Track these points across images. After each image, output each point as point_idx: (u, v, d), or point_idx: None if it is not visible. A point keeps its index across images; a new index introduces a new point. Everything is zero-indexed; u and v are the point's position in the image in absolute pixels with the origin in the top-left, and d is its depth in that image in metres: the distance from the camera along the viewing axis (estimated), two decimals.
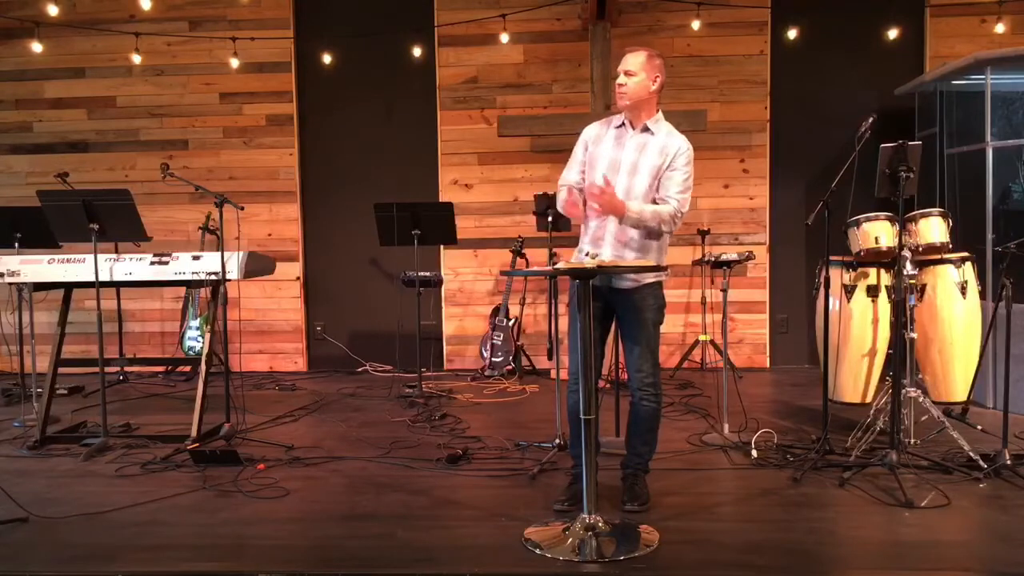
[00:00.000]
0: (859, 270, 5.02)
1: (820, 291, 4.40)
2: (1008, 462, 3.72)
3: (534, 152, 6.59)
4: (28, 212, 4.97)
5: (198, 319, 6.34)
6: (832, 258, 4.58)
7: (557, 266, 3.21)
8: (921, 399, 4.15)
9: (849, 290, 5.05)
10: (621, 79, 3.35)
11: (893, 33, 6.22)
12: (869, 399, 5.06)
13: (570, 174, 3.51)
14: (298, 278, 6.86)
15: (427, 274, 6.06)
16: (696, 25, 6.24)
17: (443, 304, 6.79)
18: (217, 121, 6.80)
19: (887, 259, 4.98)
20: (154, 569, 2.96)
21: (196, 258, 4.53)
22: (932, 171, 5.71)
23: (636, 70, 3.33)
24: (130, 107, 6.84)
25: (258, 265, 4.75)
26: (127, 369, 6.56)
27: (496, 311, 6.44)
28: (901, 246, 4.05)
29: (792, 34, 6.36)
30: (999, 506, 3.41)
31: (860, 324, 5.03)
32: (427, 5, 6.61)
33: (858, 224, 4.95)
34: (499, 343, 6.36)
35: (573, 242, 3.65)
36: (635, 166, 3.36)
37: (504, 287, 6.53)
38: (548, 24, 6.54)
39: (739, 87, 6.49)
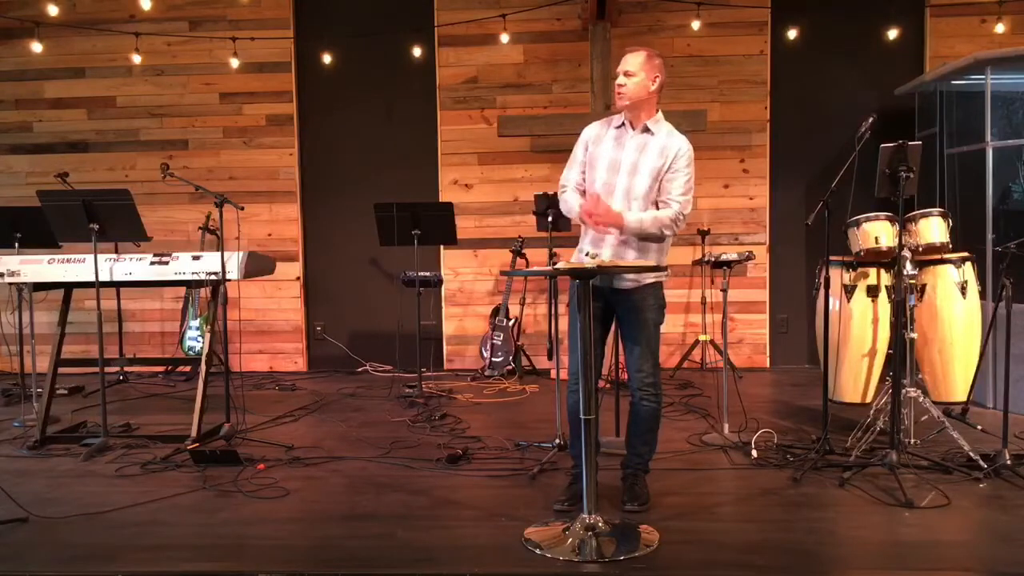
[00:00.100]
0: (859, 270, 5.02)
1: (820, 291, 4.41)
2: (1008, 462, 3.72)
3: (534, 152, 6.59)
4: (28, 212, 4.97)
5: (198, 319, 6.34)
6: (832, 258, 4.58)
7: (557, 266, 3.21)
8: (921, 399, 4.15)
9: (849, 290, 5.05)
10: (620, 80, 3.35)
11: (893, 33, 6.23)
12: (869, 399, 5.06)
13: (571, 174, 3.51)
14: (298, 278, 6.86)
15: (427, 274, 6.06)
16: (696, 25, 6.24)
17: (443, 304, 6.79)
18: (217, 121, 6.80)
19: (887, 259, 4.98)
20: (154, 569, 2.96)
21: (196, 258, 4.53)
22: (932, 171, 5.71)
23: (635, 70, 3.33)
24: (130, 107, 6.84)
25: (258, 265, 4.75)
26: (127, 369, 6.55)
27: (496, 311, 6.44)
28: (901, 246, 4.05)
29: (792, 34, 6.36)
30: (999, 506, 3.41)
31: (860, 324, 5.03)
32: (427, 5, 6.61)
33: (858, 224, 4.95)
34: (499, 343, 6.36)
35: (573, 242, 3.65)
36: (635, 166, 3.36)
37: (504, 287, 6.53)
38: (548, 24, 6.54)
39: (739, 87, 6.49)
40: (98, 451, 4.32)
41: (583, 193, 3.47)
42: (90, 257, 4.38)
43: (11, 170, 6.92)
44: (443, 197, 6.60)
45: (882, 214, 4.91)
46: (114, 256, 4.58)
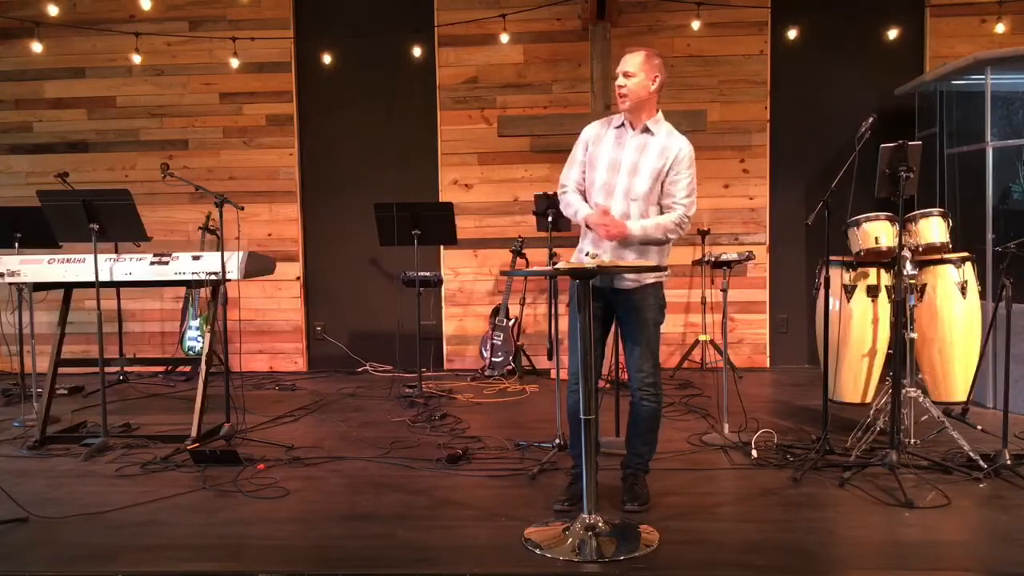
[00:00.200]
0: (859, 270, 5.02)
1: (820, 291, 4.41)
2: (1008, 462, 3.72)
3: (534, 152, 6.59)
4: (28, 212, 4.97)
5: (198, 319, 6.34)
6: (832, 258, 4.57)
7: (557, 266, 3.21)
8: (921, 399, 4.15)
9: (849, 290, 5.05)
10: (620, 80, 3.35)
11: (893, 33, 6.23)
12: (869, 399, 5.06)
13: (571, 174, 3.51)
14: (298, 278, 6.86)
15: (427, 274, 6.06)
16: (696, 25, 6.24)
17: (443, 304, 6.79)
18: (217, 121, 6.80)
19: (887, 259, 4.98)
20: (154, 569, 2.96)
21: (196, 258, 4.53)
22: (932, 171, 5.72)
23: (635, 71, 3.33)
24: (130, 107, 6.84)
25: (258, 265, 4.75)
26: (127, 369, 6.56)
27: (496, 311, 6.44)
28: (901, 246, 4.05)
29: (792, 34, 6.36)
30: (999, 506, 3.41)
31: (860, 324, 5.03)
32: (427, 5, 6.61)
33: (858, 224, 4.95)
34: (499, 343, 6.36)
35: (573, 242, 3.65)
36: (635, 166, 3.36)
37: (504, 287, 6.53)
38: (548, 24, 6.54)
39: (739, 87, 6.49)
40: (98, 451, 4.32)
41: (583, 193, 3.48)
42: (90, 257, 4.38)
43: (11, 170, 6.92)
44: (443, 197, 6.60)
45: (882, 214, 4.91)
46: (114, 256, 4.58)
